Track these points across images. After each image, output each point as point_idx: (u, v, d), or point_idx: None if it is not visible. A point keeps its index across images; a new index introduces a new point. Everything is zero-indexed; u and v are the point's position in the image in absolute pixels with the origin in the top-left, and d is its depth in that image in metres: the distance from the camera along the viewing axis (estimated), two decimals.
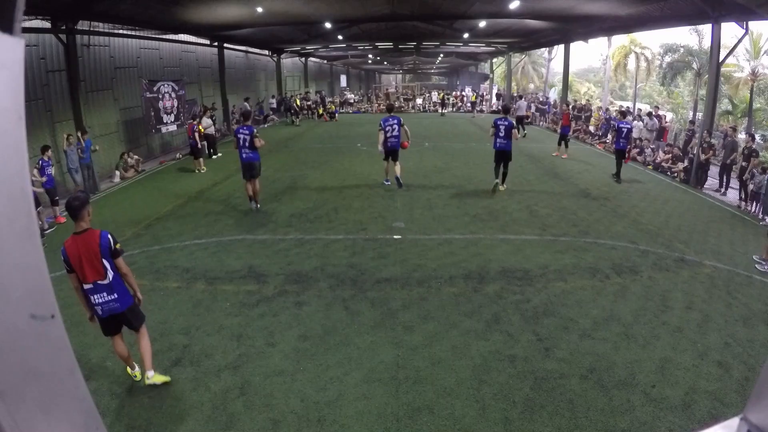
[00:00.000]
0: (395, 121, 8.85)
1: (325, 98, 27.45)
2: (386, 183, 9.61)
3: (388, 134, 8.82)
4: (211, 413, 3.32)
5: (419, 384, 3.61)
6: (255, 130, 7.59)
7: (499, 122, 8.67)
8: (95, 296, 3.31)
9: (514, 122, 10.08)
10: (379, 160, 9.77)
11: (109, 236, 3.30)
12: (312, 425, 3.20)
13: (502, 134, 8.63)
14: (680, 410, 3.30)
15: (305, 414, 3.30)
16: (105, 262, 3.27)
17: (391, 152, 9.01)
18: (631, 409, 3.31)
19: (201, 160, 11.80)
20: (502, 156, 8.81)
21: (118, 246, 3.34)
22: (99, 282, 3.28)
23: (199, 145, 11.83)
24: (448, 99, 29.56)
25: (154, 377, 3.56)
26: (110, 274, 3.30)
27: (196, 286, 5.28)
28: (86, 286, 3.28)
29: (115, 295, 3.35)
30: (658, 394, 3.46)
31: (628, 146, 9.35)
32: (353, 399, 3.45)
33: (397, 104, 30.20)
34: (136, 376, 3.68)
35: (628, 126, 9.87)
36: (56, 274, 5.70)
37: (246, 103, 18.41)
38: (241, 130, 7.60)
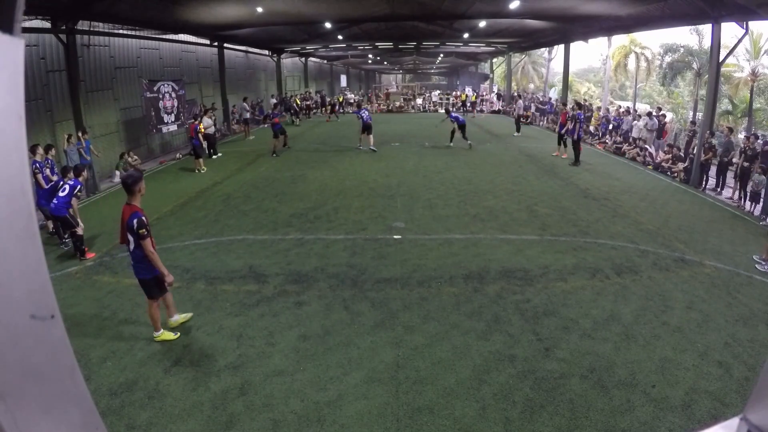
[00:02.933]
0: (365, 110, 13.98)
1: (326, 97, 27.47)
2: (361, 148, 13.71)
3: (364, 119, 13.48)
4: (211, 413, 3.32)
5: (419, 384, 3.61)
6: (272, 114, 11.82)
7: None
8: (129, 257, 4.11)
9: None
10: (379, 160, 10.81)
11: (135, 220, 3.81)
12: (312, 425, 3.20)
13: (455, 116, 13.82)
14: (680, 410, 3.30)
15: (305, 414, 3.30)
16: (129, 235, 3.89)
17: (368, 127, 13.49)
18: (631, 409, 3.31)
19: (201, 160, 11.81)
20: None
21: (141, 231, 3.83)
22: (127, 246, 4.00)
23: (203, 145, 11.89)
24: (442, 99, 28.81)
25: (159, 335, 4.23)
26: (132, 245, 3.91)
27: (196, 286, 5.28)
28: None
29: (133, 263, 4.03)
30: (659, 394, 3.46)
31: (583, 134, 11.09)
32: (353, 399, 3.45)
33: (397, 104, 30.23)
34: (171, 323, 4.41)
35: (581, 116, 11.34)
36: (56, 274, 5.71)
37: (244, 104, 18.43)
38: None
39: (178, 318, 4.48)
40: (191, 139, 11.93)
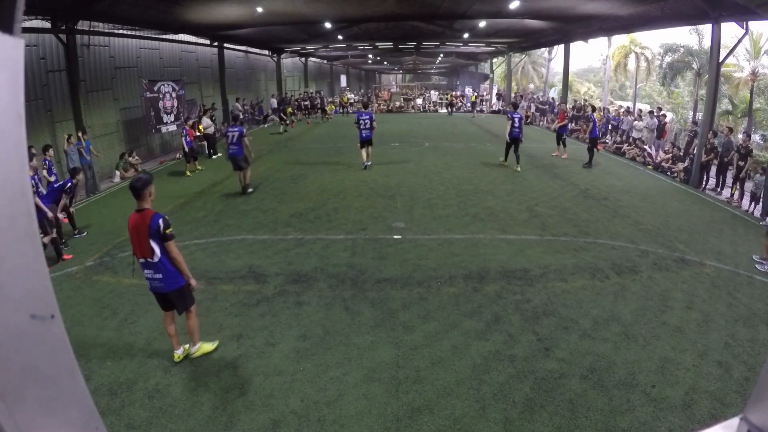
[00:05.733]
0: (368, 117, 10.71)
1: (325, 99, 27.43)
2: (367, 164, 11.21)
3: (362, 126, 10.63)
4: (211, 413, 3.32)
5: (419, 384, 3.61)
6: (245, 131, 9.00)
7: (513, 115, 10.97)
8: (145, 271, 3.58)
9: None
10: (379, 160, 10.64)
11: (160, 221, 3.46)
12: (312, 425, 3.20)
13: (517, 125, 10.89)
14: (680, 410, 3.30)
15: (305, 414, 3.30)
16: (152, 243, 3.46)
17: (367, 141, 10.92)
18: (631, 409, 3.31)
19: (195, 162, 11.66)
20: (517, 142, 11.01)
21: (168, 231, 3.49)
22: (148, 260, 3.52)
23: (195, 146, 11.70)
24: (441, 99, 29.48)
25: (197, 350, 3.91)
26: (157, 255, 3.49)
27: None
28: (140, 260, 3.56)
29: (161, 275, 3.55)
30: (658, 394, 3.45)
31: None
32: (353, 399, 3.45)
33: (397, 104, 30.23)
34: (174, 357, 3.91)
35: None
36: (56, 274, 5.71)
37: (237, 104, 18.36)
38: (230, 129, 9.02)
39: (182, 350, 3.99)
40: (189, 142, 11.72)
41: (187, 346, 4.01)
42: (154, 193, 3.59)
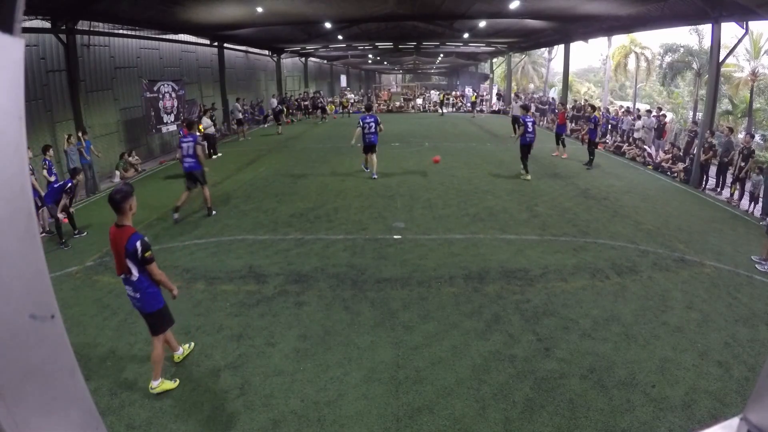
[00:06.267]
0: (372, 120, 9.74)
1: (325, 98, 27.44)
2: (366, 170, 10.48)
3: (366, 131, 9.68)
4: (211, 413, 3.32)
5: (419, 384, 3.61)
6: (199, 138, 7.60)
7: (526, 119, 10.22)
8: (126, 287, 3.38)
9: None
10: (379, 160, 10.29)
11: (138, 244, 3.16)
12: (312, 425, 3.20)
13: (530, 130, 10.07)
14: (680, 410, 3.30)
15: (305, 414, 3.30)
16: (129, 263, 3.21)
17: (370, 147, 9.90)
18: (631, 409, 3.31)
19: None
20: (529, 148, 10.17)
21: (147, 254, 3.20)
22: (127, 276, 3.28)
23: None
24: (448, 99, 29.54)
25: (158, 386, 3.53)
26: (135, 275, 3.25)
27: (196, 286, 5.28)
28: (120, 276, 3.35)
29: (138, 295, 3.32)
30: (658, 394, 3.46)
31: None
32: (353, 399, 3.45)
33: (397, 104, 30.22)
34: (174, 358, 3.90)
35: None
36: (56, 274, 5.71)
37: (237, 104, 17.56)
38: (184, 140, 7.56)
39: (182, 350, 3.96)
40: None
41: (187, 345, 4.01)
42: (136, 206, 3.30)
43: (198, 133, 7.66)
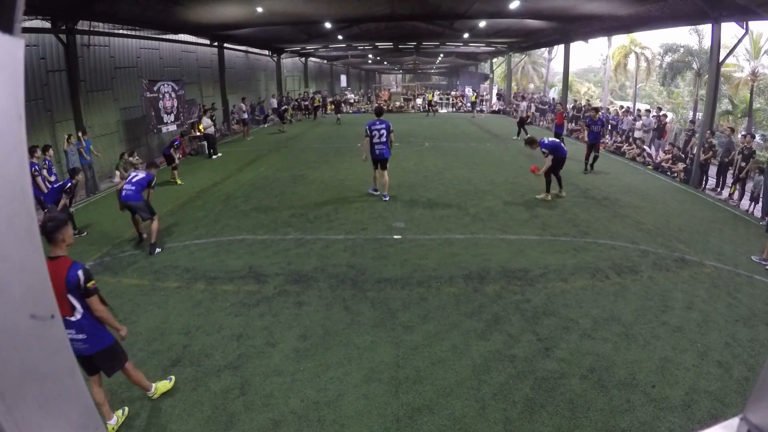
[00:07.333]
0: (383, 126, 8.00)
1: (326, 98, 27.48)
2: (373, 192, 8.78)
3: (375, 140, 8.00)
4: (211, 413, 3.32)
5: (419, 384, 3.61)
6: (153, 181, 6.29)
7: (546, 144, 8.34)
8: (68, 332, 2.78)
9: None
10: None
11: (80, 273, 2.77)
12: (312, 425, 3.20)
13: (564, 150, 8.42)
14: (680, 410, 3.30)
15: (305, 414, 3.30)
16: (72, 298, 2.79)
17: (380, 160, 8.16)
18: (631, 409, 3.31)
19: (175, 171, 10.68)
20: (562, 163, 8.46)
21: (90, 285, 2.80)
22: (68, 318, 2.81)
23: (176, 159, 10.81)
24: (442, 99, 29.30)
25: (155, 392, 3.42)
26: (78, 312, 2.83)
27: (196, 286, 5.28)
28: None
29: (83, 336, 2.86)
30: (659, 394, 3.46)
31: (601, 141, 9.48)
32: (353, 399, 3.45)
33: (397, 104, 30.20)
34: (108, 429, 3.15)
35: (591, 121, 10.07)
36: None
37: (242, 104, 17.55)
38: (135, 173, 6.34)
39: (116, 419, 3.20)
40: (173, 143, 11.13)
41: (120, 412, 3.28)
42: (71, 238, 2.86)
43: (148, 173, 6.35)
